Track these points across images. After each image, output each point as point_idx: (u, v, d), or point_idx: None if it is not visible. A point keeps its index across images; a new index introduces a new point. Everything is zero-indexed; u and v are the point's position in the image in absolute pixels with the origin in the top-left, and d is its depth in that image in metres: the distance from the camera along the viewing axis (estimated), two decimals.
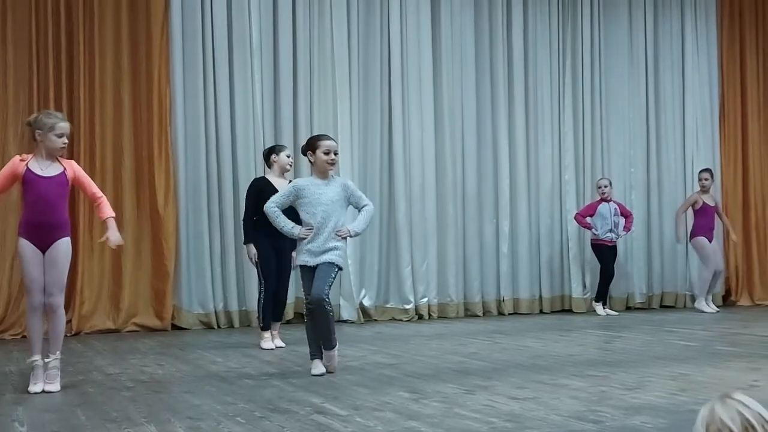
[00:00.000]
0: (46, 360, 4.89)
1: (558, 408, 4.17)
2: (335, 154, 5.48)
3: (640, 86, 10.64)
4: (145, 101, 8.38)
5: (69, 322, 7.29)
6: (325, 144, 5.45)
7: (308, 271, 5.36)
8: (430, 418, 3.98)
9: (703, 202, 9.90)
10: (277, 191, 6.51)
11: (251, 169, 8.60)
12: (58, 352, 4.93)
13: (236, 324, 8.52)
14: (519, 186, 9.93)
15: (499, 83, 9.88)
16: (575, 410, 4.11)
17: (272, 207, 5.51)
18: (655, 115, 10.71)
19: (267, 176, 6.92)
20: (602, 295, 9.67)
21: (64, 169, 4.97)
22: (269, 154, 6.97)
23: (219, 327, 8.44)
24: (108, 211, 5.12)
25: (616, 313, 9.59)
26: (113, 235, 5.04)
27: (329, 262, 5.31)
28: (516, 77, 9.98)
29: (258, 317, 7.01)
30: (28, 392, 4.80)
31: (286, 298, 7.17)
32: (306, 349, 5.56)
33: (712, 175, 10.07)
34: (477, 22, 9.86)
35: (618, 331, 7.71)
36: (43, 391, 4.82)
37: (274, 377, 5.32)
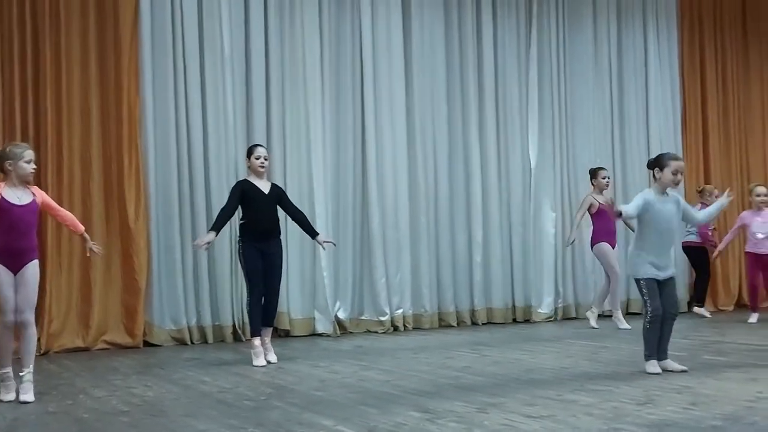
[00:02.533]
0: (21, 374, 5.13)
1: (579, 427, 4.10)
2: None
3: (605, 97, 10.76)
4: (114, 111, 8.10)
5: (38, 340, 7.00)
6: (674, 164, 5.69)
7: (656, 284, 5.67)
8: None
9: (599, 203, 8.91)
10: (261, 192, 6.65)
11: (223, 180, 8.40)
12: (31, 366, 5.18)
13: (210, 339, 8.30)
14: (491, 195, 9.91)
15: (470, 93, 9.87)
16: (597, 428, 4.05)
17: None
18: (619, 125, 10.84)
19: (248, 178, 6.90)
20: (701, 297, 10.12)
21: (34, 196, 5.29)
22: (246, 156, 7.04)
23: (192, 343, 8.21)
24: (80, 225, 5.70)
25: (709, 315, 10.00)
26: (95, 246, 5.77)
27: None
28: (486, 87, 9.98)
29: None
30: (1, 400, 5.11)
31: (276, 302, 6.96)
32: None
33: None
34: (447, 32, 9.85)
35: (600, 341, 7.70)
36: (18, 402, 5.07)
37: (272, 397, 5.15)
